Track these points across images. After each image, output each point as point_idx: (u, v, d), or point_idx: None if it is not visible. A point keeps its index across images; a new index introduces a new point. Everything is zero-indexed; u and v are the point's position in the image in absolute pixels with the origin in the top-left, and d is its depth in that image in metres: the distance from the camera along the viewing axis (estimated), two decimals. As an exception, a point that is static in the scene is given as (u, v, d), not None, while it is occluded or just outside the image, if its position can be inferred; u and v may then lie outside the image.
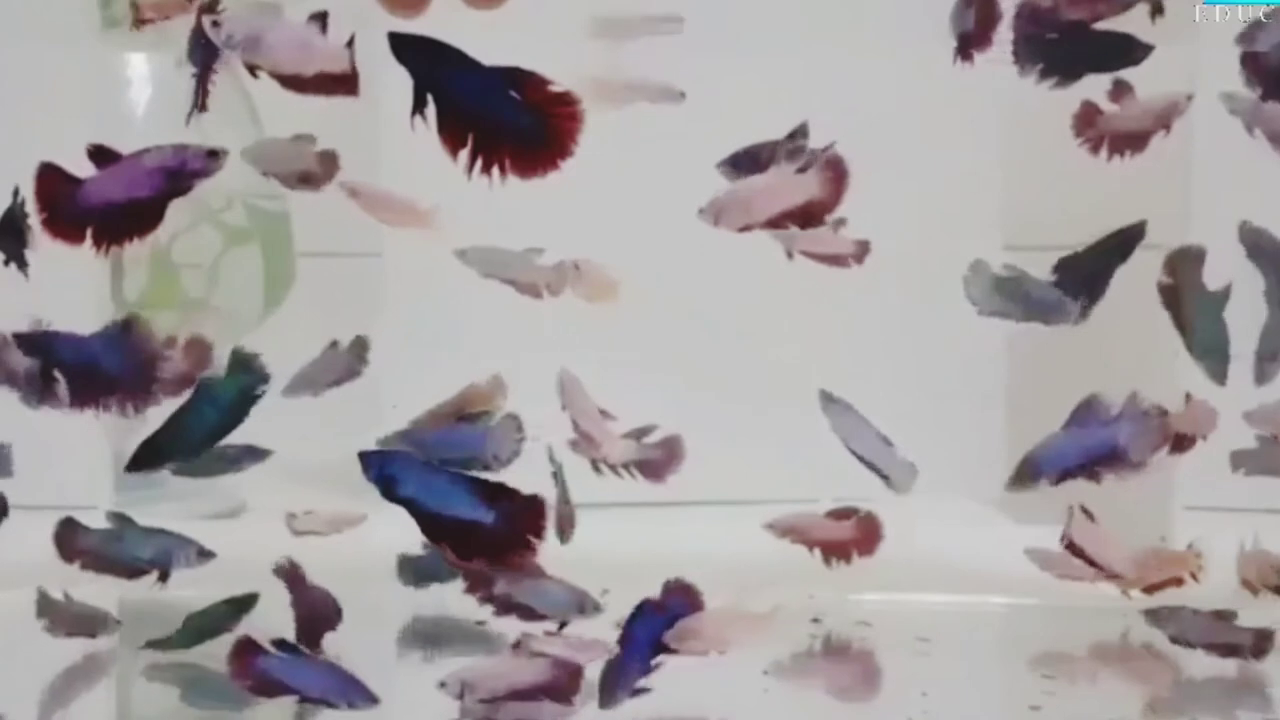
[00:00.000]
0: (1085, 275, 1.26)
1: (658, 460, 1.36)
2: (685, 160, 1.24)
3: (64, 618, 1.36)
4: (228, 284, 1.65)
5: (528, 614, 1.27)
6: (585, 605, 1.29)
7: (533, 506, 1.17)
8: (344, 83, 1.12)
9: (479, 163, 1.08)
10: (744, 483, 1.48)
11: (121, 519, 1.36)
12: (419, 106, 1.08)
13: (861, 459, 1.28)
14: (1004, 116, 1.53)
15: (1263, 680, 1.29)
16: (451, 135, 1.08)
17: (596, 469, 1.35)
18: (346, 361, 1.38)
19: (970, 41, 1.22)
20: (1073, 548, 1.30)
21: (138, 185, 1.12)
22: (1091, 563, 1.31)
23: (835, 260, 1.27)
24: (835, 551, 1.38)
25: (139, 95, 1.45)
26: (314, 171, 1.23)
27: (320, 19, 1.11)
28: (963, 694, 1.29)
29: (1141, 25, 1.22)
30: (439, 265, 1.37)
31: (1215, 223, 1.42)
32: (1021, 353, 1.45)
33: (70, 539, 1.36)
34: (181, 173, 1.12)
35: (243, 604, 1.35)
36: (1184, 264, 1.28)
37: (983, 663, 1.32)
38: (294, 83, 1.13)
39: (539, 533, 1.17)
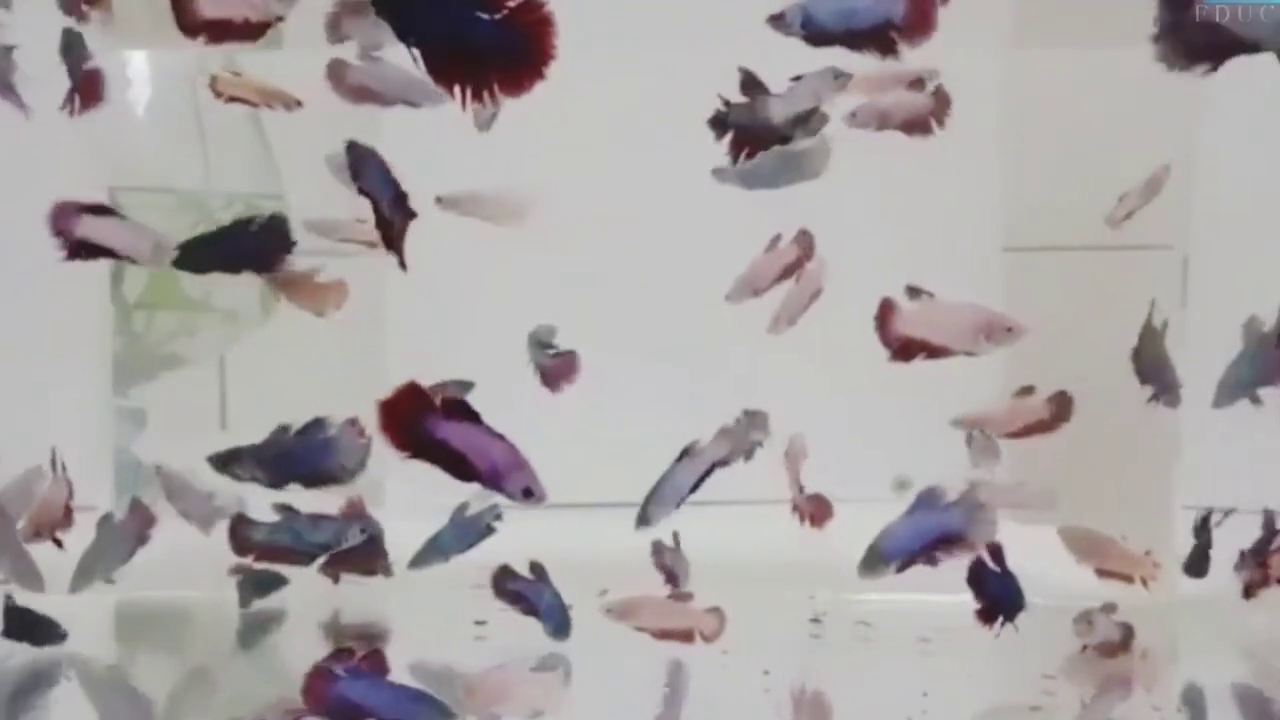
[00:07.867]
0: None
1: (554, 368, 1.36)
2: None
3: None
4: (228, 284, 1.65)
5: None
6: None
7: None
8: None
9: (469, 94, 1.06)
10: (744, 484, 1.47)
11: (287, 510, 1.36)
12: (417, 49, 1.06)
13: None
14: (1003, 112, 1.53)
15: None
16: (442, 74, 1.06)
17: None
18: None
19: None
20: None
21: None
22: None
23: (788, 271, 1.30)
24: None
25: (139, 95, 1.45)
26: None
27: None
28: (963, 694, 1.29)
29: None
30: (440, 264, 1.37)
31: (1216, 222, 1.42)
32: (1021, 352, 1.45)
33: (243, 534, 1.37)
34: None
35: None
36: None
37: (983, 663, 1.32)
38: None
39: None
